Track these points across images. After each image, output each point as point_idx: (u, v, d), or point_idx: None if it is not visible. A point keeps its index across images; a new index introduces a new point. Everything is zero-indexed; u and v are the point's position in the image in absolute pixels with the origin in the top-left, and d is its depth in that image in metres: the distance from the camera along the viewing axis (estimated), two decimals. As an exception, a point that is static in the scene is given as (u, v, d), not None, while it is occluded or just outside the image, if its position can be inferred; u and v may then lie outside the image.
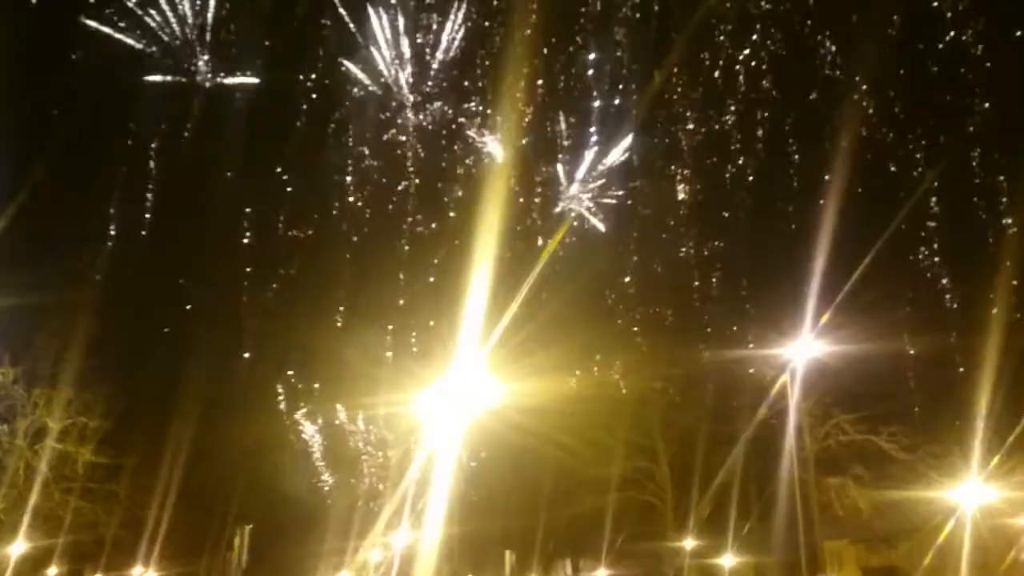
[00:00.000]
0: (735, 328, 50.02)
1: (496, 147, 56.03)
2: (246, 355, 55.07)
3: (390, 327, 55.09)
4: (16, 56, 47.79)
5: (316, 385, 52.68)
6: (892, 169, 52.36)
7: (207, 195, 55.62)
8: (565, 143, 58.40)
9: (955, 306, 50.80)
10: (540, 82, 56.90)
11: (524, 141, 56.74)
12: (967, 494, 36.59)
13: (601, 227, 57.77)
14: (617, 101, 58.57)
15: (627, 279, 57.34)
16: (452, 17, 56.19)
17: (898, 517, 45.44)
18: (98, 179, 53.43)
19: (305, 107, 56.49)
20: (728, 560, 47.82)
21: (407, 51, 56.88)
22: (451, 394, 33.24)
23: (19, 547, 40.76)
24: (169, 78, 54.84)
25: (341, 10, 55.22)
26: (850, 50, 52.51)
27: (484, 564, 62.49)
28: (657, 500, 47.38)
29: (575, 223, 56.71)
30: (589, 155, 58.31)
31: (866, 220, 48.92)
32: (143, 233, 55.61)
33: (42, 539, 42.57)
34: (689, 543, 47.83)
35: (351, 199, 57.97)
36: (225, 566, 58.70)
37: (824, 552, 44.81)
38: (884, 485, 43.01)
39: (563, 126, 58.18)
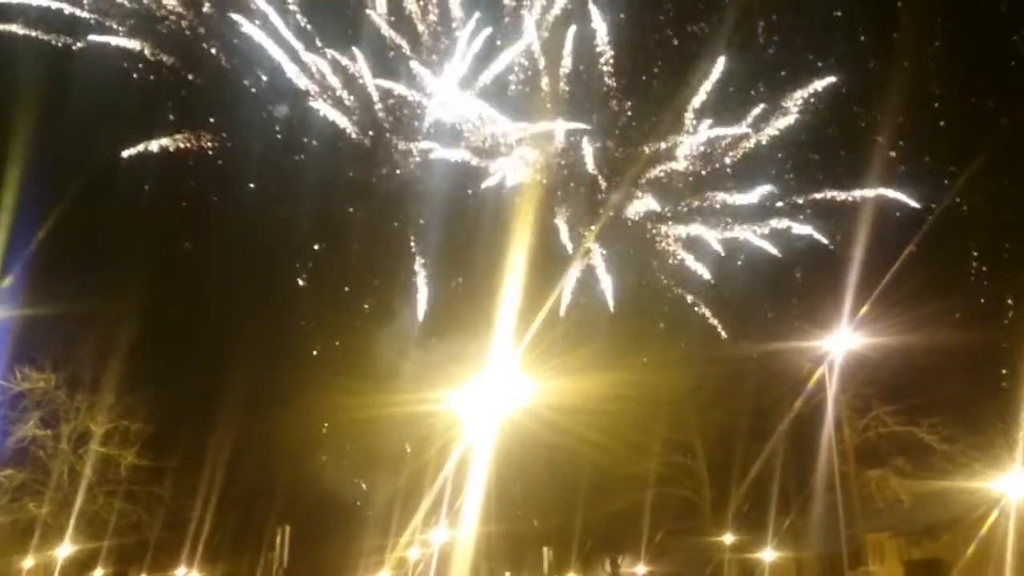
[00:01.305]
0: (772, 321, 49.53)
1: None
2: (286, 356, 55.44)
3: (429, 325, 55.17)
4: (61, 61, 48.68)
5: (354, 385, 52.92)
6: (933, 154, 51.23)
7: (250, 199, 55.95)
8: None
9: (997, 295, 49.93)
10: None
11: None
12: (1011, 484, 36.17)
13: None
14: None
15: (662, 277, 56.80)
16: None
17: (940, 508, 44.91)
18: (140, 188, 53.97)
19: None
20: (768, 555, 47.56)
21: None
22: (486, 392, 33.52)
23: (65, 549, 41.45)
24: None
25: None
26: (887, 31, 51.28)
27: (522, 561, 62.52)
28: (695, 496, 47.16)
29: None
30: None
31: (906, 208, 48.40)
32: (185, 241, 56.15)
33: (87, 542, 43.20)
34: (728, 538, 47.62)
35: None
36: (267, 566, 59.35)
37: (866, 545, 44.48)
38: (926, 476, 42.48)
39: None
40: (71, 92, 48.59)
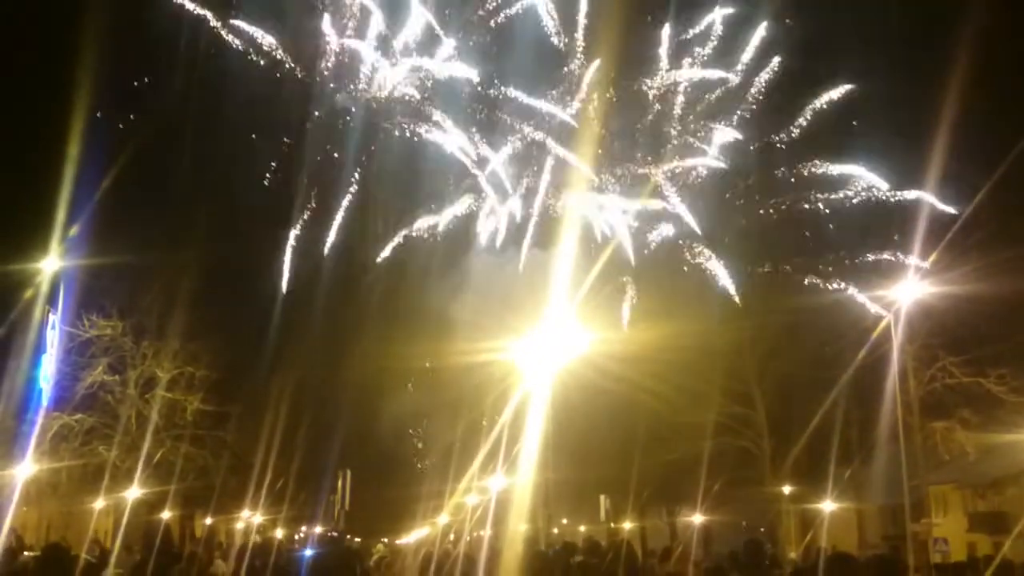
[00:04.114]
0: (834, 270, 48.35)
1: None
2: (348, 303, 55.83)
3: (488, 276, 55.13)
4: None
5: (415, 332, 53.21)
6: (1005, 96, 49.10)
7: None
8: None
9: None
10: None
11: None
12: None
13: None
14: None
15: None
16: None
17: (1006, 461, 44.15)
18: (203, 140, 54.24)
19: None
20: (829, 505, 47.12)
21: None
22: (544, 341, 33.47)
23: (134, 492, 42.66)
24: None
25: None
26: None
27: (579, 509, 62.99)
28: (754, 446, 46.68)
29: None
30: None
31: (976, 153, 46.64)
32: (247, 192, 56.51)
33: (155, 485, 44.40)
34: (788, 488, 47.26)
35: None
36: (329, 508, 60.70)
37: (929, 497, 43.86)
38: (992, 428, 41.63)
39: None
40: (136, 40, 48.85)
